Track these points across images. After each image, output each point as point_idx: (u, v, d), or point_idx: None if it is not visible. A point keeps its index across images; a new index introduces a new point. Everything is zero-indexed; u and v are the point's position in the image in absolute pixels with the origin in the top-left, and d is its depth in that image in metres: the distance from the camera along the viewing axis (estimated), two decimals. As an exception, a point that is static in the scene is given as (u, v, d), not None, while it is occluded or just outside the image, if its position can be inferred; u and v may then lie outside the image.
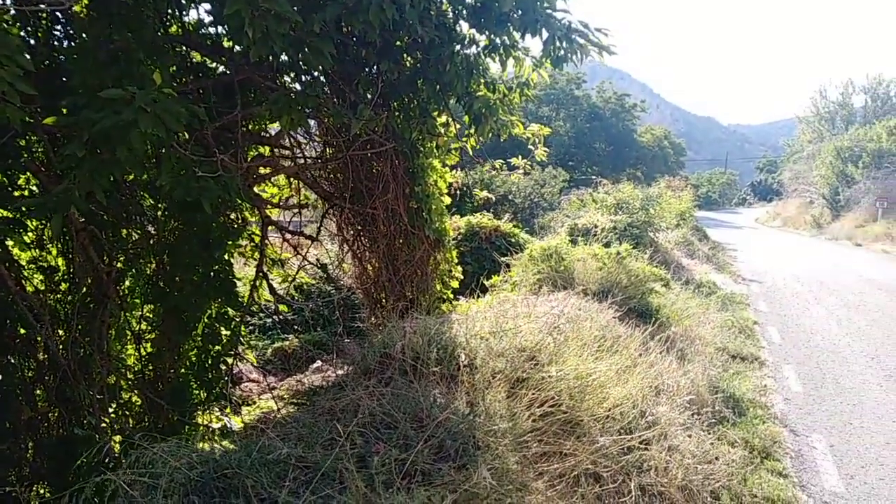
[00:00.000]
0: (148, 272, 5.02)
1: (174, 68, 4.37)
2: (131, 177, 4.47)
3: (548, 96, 42.55)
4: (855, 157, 30.46)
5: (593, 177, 24.85)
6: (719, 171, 78.05)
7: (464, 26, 5.07)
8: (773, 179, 63.79)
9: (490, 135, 5.72)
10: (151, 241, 4.97)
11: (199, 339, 5.22)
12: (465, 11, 4.91)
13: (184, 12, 4.70)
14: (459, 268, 7.02)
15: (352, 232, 6.47)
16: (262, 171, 5.71)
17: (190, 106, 3.30)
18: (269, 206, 6.01)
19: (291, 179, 6.37)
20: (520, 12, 4.65)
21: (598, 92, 46.70)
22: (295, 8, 3.53)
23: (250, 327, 8.59)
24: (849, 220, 27.29)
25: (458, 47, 5.10)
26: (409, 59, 5.24)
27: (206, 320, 5.20)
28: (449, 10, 4.98)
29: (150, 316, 5.14)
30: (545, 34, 4.65)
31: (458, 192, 7.25)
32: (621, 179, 23.15)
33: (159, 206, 4.98)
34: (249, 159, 5.37)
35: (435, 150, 6.18)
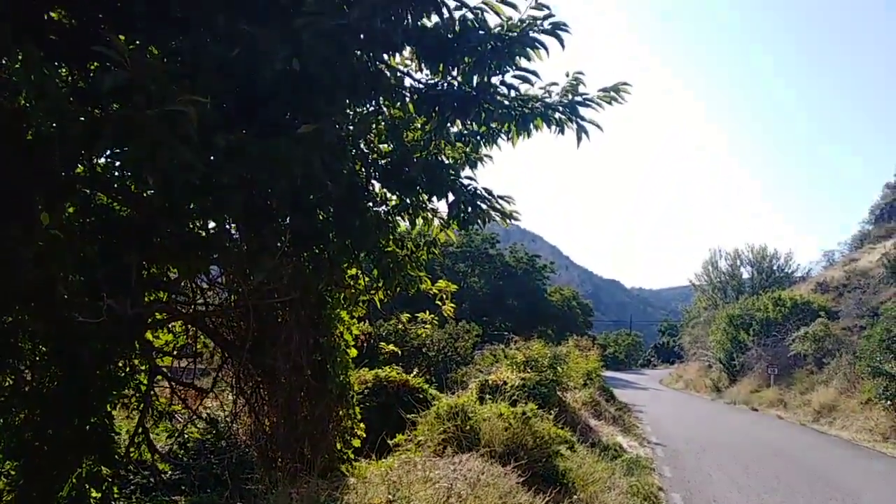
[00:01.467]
0: (16, 423, 4.53)
1: (72, 209, 4.26)
2: (10, 319, 4.17)
3: (464, 253, 44.16)
4: (746, 325, 32.59)
5: (506, 333, 25.24)
6: (625, 333, 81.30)
7: (375, 185, 5.28)
8: (675, 342, 66.84)
9: (398, 289, 5.78)
10: (26, 388, 4.53)
11: (64, 502, 4.64)
12: (376, 173, 5.14)
13: (94, 156, 4.67)
14: (363, 425, 6.73)
15: (250, 384, 6.15)
16: (157, 316, 5.45)
17: (85, 248, 3.18)
18: (160, 355, 5.68)
19: (189, 326, 6.10)
20: (428, 177, 4.91)
21: (511, 252, 48.97)
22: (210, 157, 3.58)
23: (131, 486, 7.74)
24: (745, 385, 28.59)
25: (369, 204, 5.28)
26: (320, 212, 5.35)
27: (73, 480, 4.66)
28: (362, 170, 5.20)
29: (13, 473, 4.56)
30: (451, 197, 4.90)
31: (365, 344, 7.12)
32: (533, 336, 23.61)
33: (38, 350, 4.61)
34: (145, 304, 5.13)
35: (342, 302, 6.14)
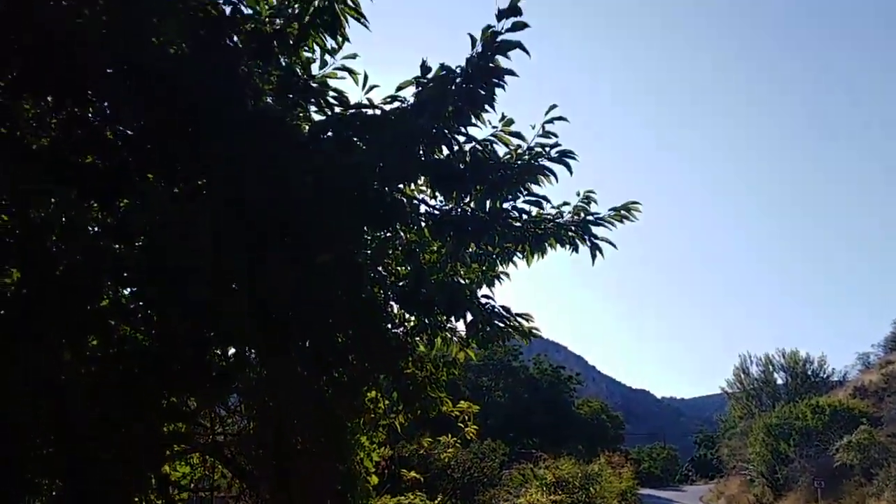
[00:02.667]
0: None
1: (95, 342, 4.33)
2: (25, 452, 4.13)
3: (486, 367, 43.50)
4: (785, 435, 31.12)
5: (534, 450, 24.34)
6: (659, 446, 77.86)
7: (394, 307, 5.33)
8: (712, 455, 63.71)
9: (419, 412, 5.67)
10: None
11: None
12: (394, 295, 5.20)
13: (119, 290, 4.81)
14: (385, 558, 6.37)
15: (268, 516, 5.92)
16: (175, 447, 5.36)
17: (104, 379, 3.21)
18: (177, 490, 5.53)
19: (207, 457, 5.98)
20: (445, 298, 4.95)
21: (535, 363, 48.14)
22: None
23: None
24: (791, 500, 26.89)
25: (388, 326, 5.30)
26: (340, 336, 5.37)
27: None
28: (380, 292, 5.26)
29: None
30: (469, 317, 4.91)
31: (385, 470, 6.90)
32: (562, 454, 22.71)
33: (54, 485, 4.52)
34: (164, 435, 5.07)
35: (362, 427, 6.02)
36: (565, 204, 4.83)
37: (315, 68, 4.28)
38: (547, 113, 4.44)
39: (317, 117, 4.24)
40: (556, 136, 4.46)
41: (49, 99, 3.65)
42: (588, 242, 4.59)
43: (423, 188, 4.61)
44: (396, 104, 4.14)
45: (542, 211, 4.62)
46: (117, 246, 3.83)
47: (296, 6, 3.50)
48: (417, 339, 5.42)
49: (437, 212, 4.41)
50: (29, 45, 3.15)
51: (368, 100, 4.27)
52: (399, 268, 5.09)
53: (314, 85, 3.94)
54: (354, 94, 4.29)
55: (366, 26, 3.69)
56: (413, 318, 5.31)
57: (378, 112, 4.06)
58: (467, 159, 4.13)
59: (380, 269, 5.13)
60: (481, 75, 3.49)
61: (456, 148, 3.96)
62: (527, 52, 3.52)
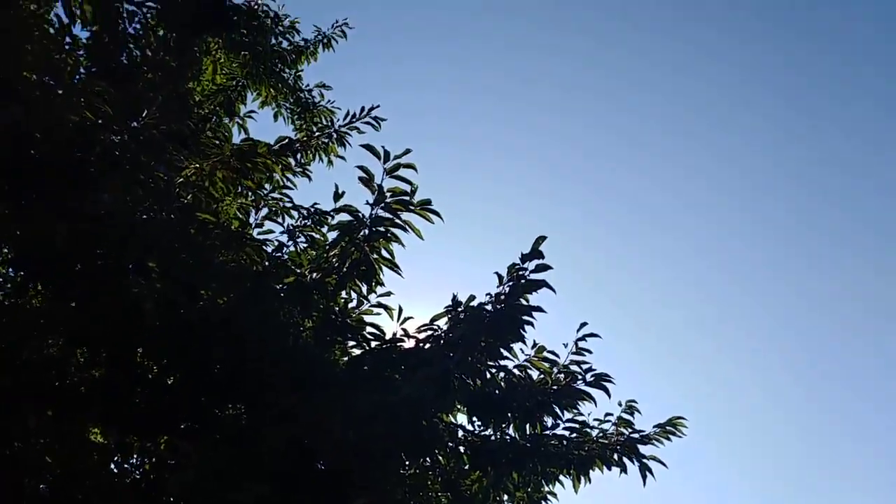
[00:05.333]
0: None
1: None
2: None
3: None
4: None
5: None
6: None
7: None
8: None
9: None
10: None
11: None
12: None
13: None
14: None
15: None
16: None
17: None
18: None
19: None
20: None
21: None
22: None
23: None
24: None
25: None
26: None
27: None
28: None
29: None
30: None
31: None
32: None
33: None
34: None
35: None
36: (608, 417, 4.73)
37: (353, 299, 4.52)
38: (578, 330, 4.52)
39: (355, 350, 4.38)
40: (589, 352, 4.51)
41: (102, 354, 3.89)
42: (636, 462, 4.41)
43: (461, 413, 4.59)
44: (430, 332, 4.29)
45: (585, 429, 4.52)
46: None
47: (334, 260, 3.77)
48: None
49: (475, 439, 4.35)
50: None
51: (404, 330, 4.43)
52: (440, 496, 4.92)
53: (351, 323, 4.11)
54: (390, 325, 4.48)
55: (399, 274, 3.93)
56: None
57: (412, 344, 4.20)
58: (502, 384, 4.15)
59: None
60: (510, 314, 3.62)
61: (489, 376, 4.00)
62: (552, 290, 3.67)
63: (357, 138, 5.94)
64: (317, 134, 5.94)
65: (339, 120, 6.11)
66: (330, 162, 6.26)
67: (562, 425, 4.20)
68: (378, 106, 5.72)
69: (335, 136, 5.84)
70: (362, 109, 5.79)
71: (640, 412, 4.84)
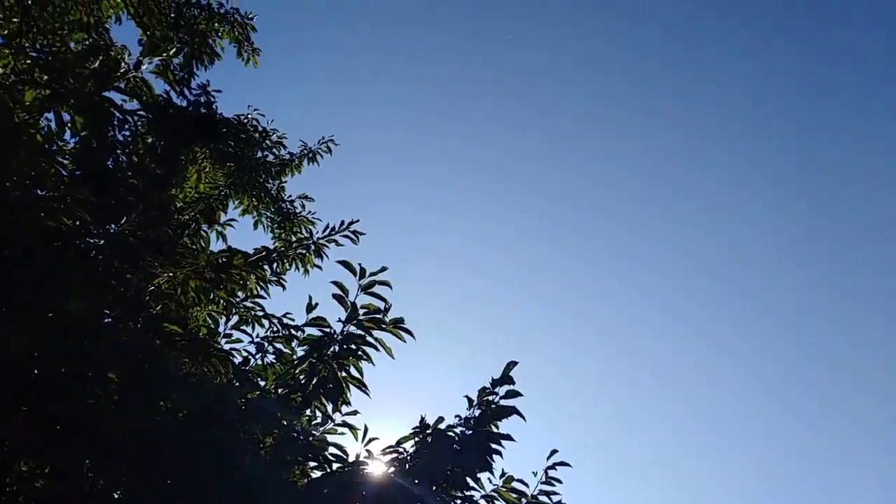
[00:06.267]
0: None
1: None
2: None
3: None
4: None
5: None
6: None
7: None
8: None
9: None
10: None
11: None
12: None
13: None
14: None
15: None
16: None
17: None
18: None
19: None
20: None
21: None
22: None
23: None
24: None
25: None
26: None
27: None
28: None
29: None
30: None
31: None
32: None
33: None
34: None
35: None
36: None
37: (317, 417, 4.38)
38: (549, 458, 4.40)
39: (315, 473, 4.20)
40: (559, 481, 4.37)
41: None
42: None
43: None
44: (395, 455, 4.14)
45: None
46: None
47: (301, 377, 3.69)
48: None
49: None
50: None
51: (368, 451, 4.28)
52: None
53: (314, 443, 3.96)
54: (354, 446, 4.33)
55: (367, 394, 3.85)
56: None
57: (377, 468, 4.04)
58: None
59: None
60: (478, 442, 3.53)
61: (454, 507, 3.83)
62: (522, 418, 3.61)
63: (335, 251, 6.00)
64: (295, 244, 5.99)
65: (318, 232, 6.19)
66: (306, 271, 6.28)
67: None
68: (357, 220, 5.83)
69: (313, 247, 5.89)
70: (342, 223, 5.89)
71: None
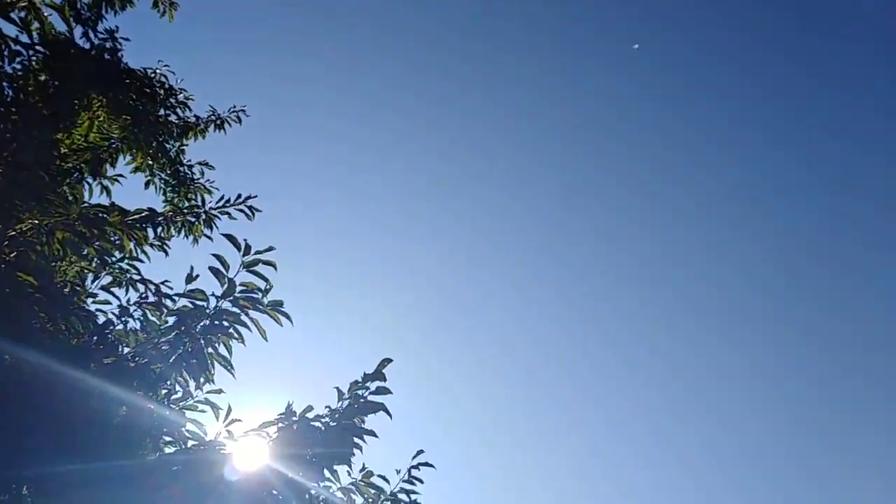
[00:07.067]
0: None
1: None
2: None
3: None
4: None
5: None
6: None
7: None
8: None
9: None
10: None
11: None
12: None
13: None
14: None
15: None
16: None
17: None
18: None
19: None
20: None
21: None
22: None
23: None
24: None
25: None
26: None
27: None
28: None
29: None
30: None
31: None
32: None
33: None
34: None
35: None
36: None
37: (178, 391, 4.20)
38: (414, 457, 4.42)
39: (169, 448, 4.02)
40: (421, 481, 4.40)
41: None
42: None
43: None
44: (257, 438, 4.03)
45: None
46: None
47: (164, 347, 3.52)
48: None
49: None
50: None
51: (228, 431, 4.14)
52: None
53: (169, 417, 3.79)
54: (214, 425, 4.18)
55: (232, 375, 3.72)
56: None
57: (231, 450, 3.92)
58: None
59: None
60: (340, 435, 3.49)
61: (308, 497, 3.77)
62: (389, 415, 3.60)
63: (227, 224, 5.77)
64: (186, 211, 5.71)
65: (212, 201, 5.94)
66: (196, 240, 6.00)
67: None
68: (255, 196, 5.64)
69: (204, 216, 5.65)
70: (238, 196, 5.68)
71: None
